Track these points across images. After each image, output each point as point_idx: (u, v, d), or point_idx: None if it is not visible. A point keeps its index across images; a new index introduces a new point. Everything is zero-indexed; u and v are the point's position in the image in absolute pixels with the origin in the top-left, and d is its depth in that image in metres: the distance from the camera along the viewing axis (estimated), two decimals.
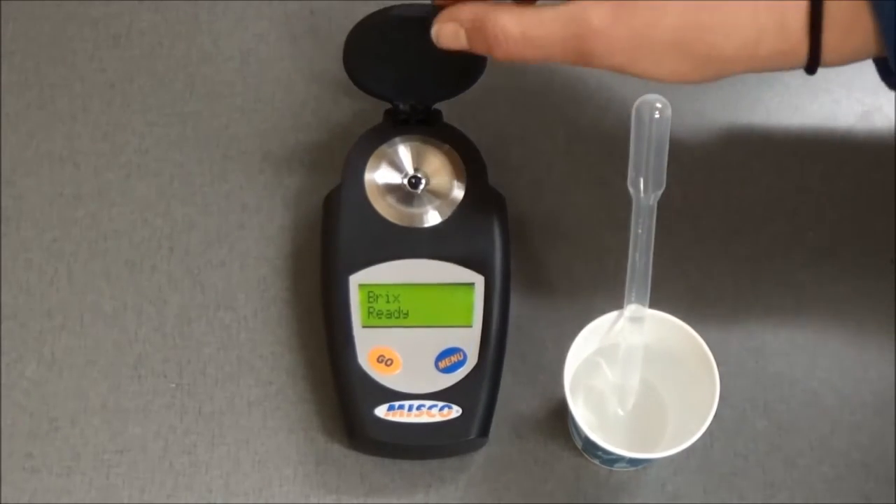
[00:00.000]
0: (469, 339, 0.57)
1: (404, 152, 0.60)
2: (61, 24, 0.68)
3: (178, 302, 0.62)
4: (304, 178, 0.65)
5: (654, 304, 0.53)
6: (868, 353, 0.61)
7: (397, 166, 0.60)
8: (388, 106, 0.61)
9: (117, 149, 0.65)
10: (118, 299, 0.61)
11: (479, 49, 0.51)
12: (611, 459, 0.56)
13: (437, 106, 0.61)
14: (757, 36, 0.47)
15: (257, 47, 0.68)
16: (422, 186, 0.60)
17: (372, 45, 0.57)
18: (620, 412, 0.57)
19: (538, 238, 0.63)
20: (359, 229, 0.59)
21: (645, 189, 0.50)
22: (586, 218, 0.64)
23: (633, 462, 0.56)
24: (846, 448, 0.59)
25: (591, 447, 0.55)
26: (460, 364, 0.57)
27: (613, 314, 0.54)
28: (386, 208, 0.59)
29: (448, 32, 0.52)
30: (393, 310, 0.58)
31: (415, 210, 0.59)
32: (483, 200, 0.60)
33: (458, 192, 0.60)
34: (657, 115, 0.48)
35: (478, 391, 0.56)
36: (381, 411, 0.56)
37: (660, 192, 0.50)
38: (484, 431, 0.56)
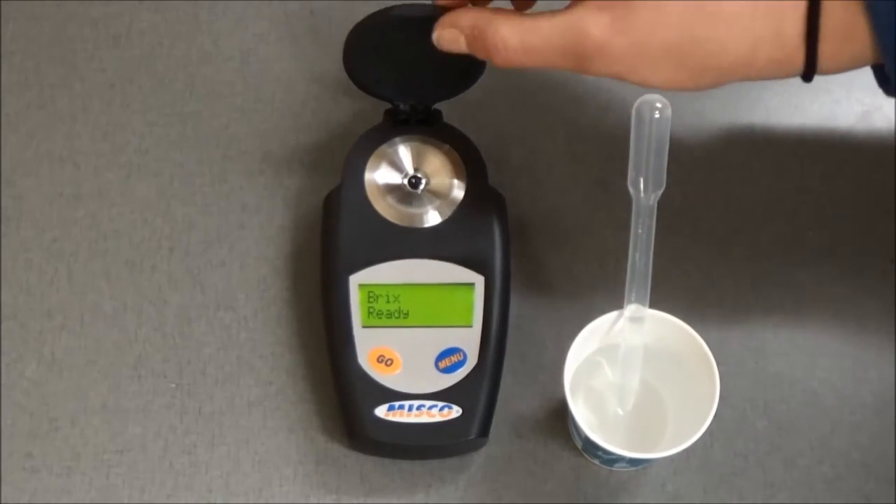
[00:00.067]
0: (469, 339, 0.57)
1: (404, 152, 0.60)
2: (61, 24, 0.68)
3: (178, 302, 0.62)
4: (304, 178, 0.65)
5: (654, 304, 0.53)
6: (868, 353, 0.61)
7: (397, 166, 0.60)
8: (388, 106, 0.61)
9: (117, 149, 0.65)
10: (118, 299, 0.61)
11: (479, 55, 0.51)
12: (611, 459, 0.56)
13: (437, 106, 0.61)
14: (753, 47, 0.47)
15: (257, 47, 0.68)
16: (422, 186, 0.60)
17: (372, 45, 0.57)
18: (620, 412, 0.57)
19: (538, 238, 0.63)
20: (359, 229, 0.59)
21: (645, 189, 0.50)
22: (586, 218, 0.64)
23: (633, 462, 0.56)
24: (846, 448, 0.59)
25: (591, 447, 0.55)
26: (460, 364, 0.57)
27: (613, 314, 0.54)
28: (386, 208, 0.59)
29: (448, 37, 0.52)
30: (393, 310, 0.58)
31: (415, 210, 0.59)
32: (483, 200, 0.60)
33: (458, 192, 0.60)
34: (657, 115, 0.48)
35: (478, 391, 0.56)
36: (381, 411, 0.56)
37: (660, 192, 0.50)
38: (484, 431, 0.56)
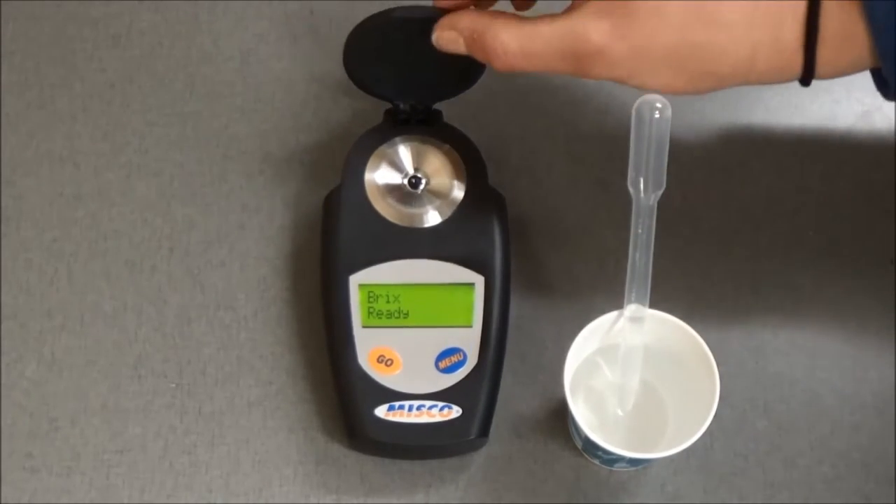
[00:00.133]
0: (469, 339, 0.57)
1: (404, 152, 0.60)
2: (61, 24, 0.68)
3: (178, 302, 0.62)
4: (304, 178, 0.65)
5: (654, 304, 0.53)
6: (868, 353, 0.61)
7: (397, 166, 0.60)
8: (388, 106, 0.61)
9: (117, 149, 0.65)
10: (118, 299, 0.61)
11: (478, 58, 0.51)
12: (611, 459, 0.56)
13: (437, 106, 0.61)
14: (752, 52, 0.47)
15: (257, 47, 0.68)
16: (422, 186, 0.60)
17: (372, 45, 0.57)
18: (620, 412, 0.57)
19: (538, 238, 0.63)
20: (359, 229, 0.59)
21: (645, 189, 0.50)
22: (586, 218, 0.64)
23: (633, 462, 0.56)
24: (846, 448, 0.59)
25: (591, 447, 0.55)
26: (460, 364, 0.57)
27: (613, 314, 0.54)
28: (386, 208, 0.59)
29: (447, 38, 0.52)
30: (393, 310, 0.58)
31: (415, 210, 0.59)
32: (483, 200, 0.60)
33: (458, 192, 0.60)
34: (657, 115, 0.48)
35: (478, 391, 0.56)
36: (381, 411, 0.56)
37: (660, 192, 0.50)
38: (484, 431, 0.56)
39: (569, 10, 0.49)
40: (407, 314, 0.58)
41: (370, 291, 0.58)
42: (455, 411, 0.56)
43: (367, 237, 0.59)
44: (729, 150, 0.66)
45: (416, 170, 0.60)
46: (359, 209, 0.59)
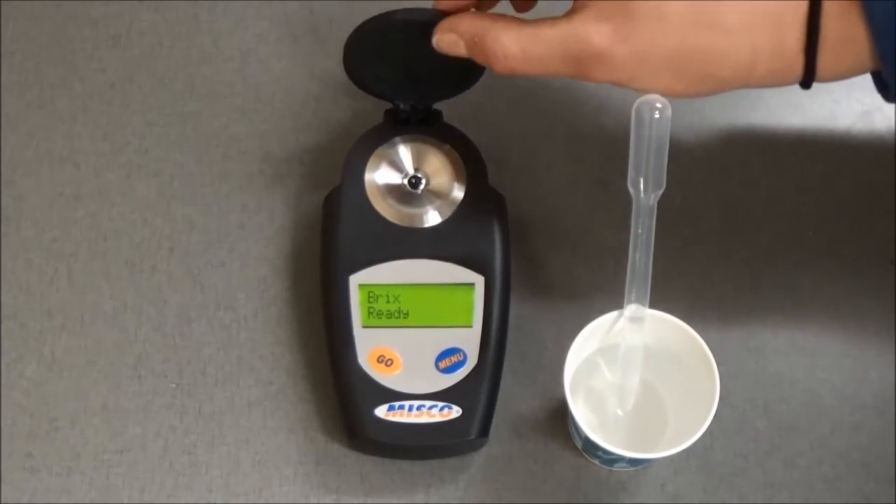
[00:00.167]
0: (469, 340, 0.57)
1: (404, 152, 0.60)
2: (61, 24, 0.68)
3: (178, 302, 0.62)
4: (304, 178, 0.65)
5: (654, 304, 0.53)
6: (868, 353, 0.61)
7: (397, 166, 0.60)
8: (388, 106, 0.61)
9: (117, 149, 0.65)
10: (118, 299, 0.61)
11: (479, 61, 0.51)
12: (611, 459, 0.56)
13: (437, 106, 0.61)
14: (753, 57, 0.47)
15: (257, 47, 0.68)
16: (422, 186, 0.60)
17: (372, 46, 0.57)
18: (620, 412, 0.57)
19: (538, 238, 0.63)
20: (359, 229, 0.59)
21: (645, 189, 0.50)
22: (586, 218, 0.64)
23: (633, 462, 0.56)
24: (846, 448, 0.59)
25: (591, 447, 0.55)
26: (460, 364, 0.57)
27: (613, 314, 0.54)
28: (386, 208, 0.59)
29: (448, 41, 0.52)
30: (393, 310, 0.58)
31: (415, 210, 0.59)
32: (483, 200, 0.60)
33: (458, 193, 0.60)
34: (657, 115, 0.48)
35: (478, 391, 0.56)
36: (381, 411, 0.56)
37: (660, 192, 0.50)
38: (484, 431, 0.56)
39: (570, 14, 0.49)
40: (407, 314, 0.58)
41: (370, 291, 0.58)
42: (455, 411, 0.56)
43: (367, 237, 0.59)
44: (729, 150, 0.66)
45: (416, 170, 0.60)
46: (359, 209, 0.59)
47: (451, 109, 0.62)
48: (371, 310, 0.58)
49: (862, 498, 0.58)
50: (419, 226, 0.59)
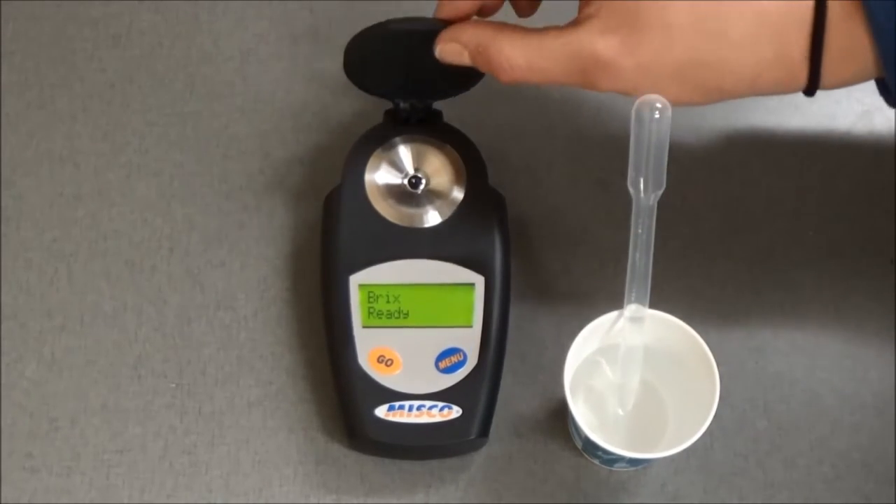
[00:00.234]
0: (469, 340, 0.57)
1: (404, 152, 0.60)
2: (61, 24, 0.68)
3: (178, 302, 0.62)
4: (304, 178, 0.65)
5: (654, 304, 0.53)
6: (868, 353, 0.61)
7: (397, 166, 0.60)
8: (389, 106, 0.61)
9: (117, 149, 0.65)
10: (118, 299, 0.61)
11: (484, 70, 0.52)
12: (611, 459, 0.56)
13: (437, 106, 0.61)
14: (758, 68, 0.47)
15: (257, 47, 0.68)
16: (422, 186, 0.60)
17: (372, 53, 0.56)
18: (620, 412, 0.57)
19: (538, 238, 0.63)
20: (359, 229, 0.59)
21: (645, 189, 0.50)
22: (586, 218, 0.64)
23: (633, 462, 0.56)
24: (846, 448, 0.59)
25: (591, 447, 0.55)
26: (460, 364, 0.57)
27: (613, 314, 0.54)
28: (386, 208, 0.59)
29: (451, 51, 0.52)
30: (393, 310, 0.58)
31: (415, 210, 0.59)
32: (483, 200, 0.60)
33: (458, 193, 0.60)
34: (657, 115, 0.48)
35: (478, 391, 0.56)
36: (381, 411, 0.56)
37: (660, 192, 0.50)
38: (484, 431, 0.56)
39: (575, 24, 0.49)
40: (407, 314, 0.58)
41: (370, 291, 0.58)
42: (455, 411, 0.56)
43: (367, 237, 0.59)
44: (729, 151, 0.66)
45: (416, 170, 0.60)
46: (359, 209, 0.59)
47: (451, 109, 0.62)
48: (371, 310, 0.58)
49: (862, 498, 0.58)
50: (419, 226, 0.59)
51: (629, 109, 0.49)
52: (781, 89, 0.49)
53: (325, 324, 0.59)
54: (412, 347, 0.57)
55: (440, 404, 0.56)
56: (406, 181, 0.60)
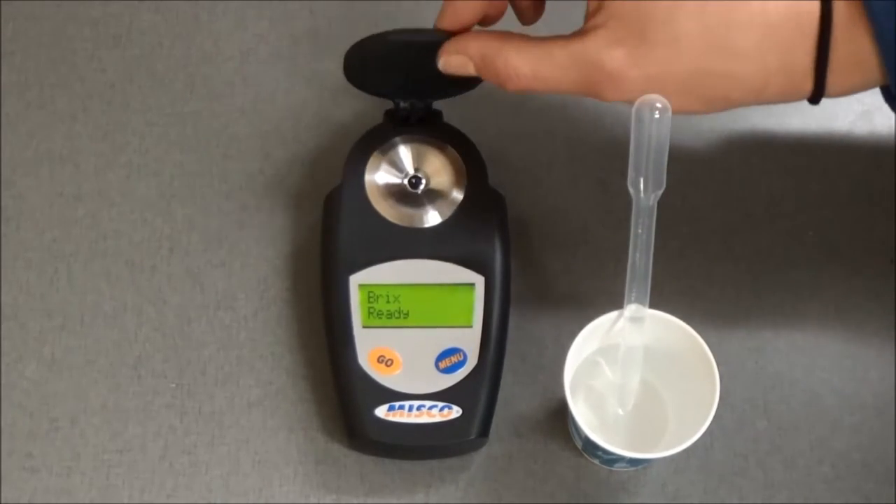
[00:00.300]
0: (469, 340, 0.57)
1: (404, 152, 0.60)
2: (61, 24, 0.68)
3: (178, 302, 0.62)
4: (304, 178, 0.65)
5: (654, 304, 0.53)
6: (868, 353, 0.61)
7: (397, 166, 0.60)
8: (389, 106, 0.61)
9: (117, 149, 0.65)
10: (118, 299, 0.61)
11: (490, 81, 0.52)
12: (611, 459, 0.56)
13: (437, 106, 0.61)
14: (764, 79, 0.48)
15: (257, 47, 0.68)
16: (422, 187, 0.60)
17: (372, 60, 0.56)
18: (620, 412, 0.57)
19: (538, 238, 0.63)
20: (359, 229, 0.59)
21: (645, 189, 0.50)
22: (586, 218, 0.64)
23: (633, 462, 0.56)
24: (846, 448, 0.59)
25: (591, 447, 0.55)
26: (460, 364, 0.57)
27: (613, 314, 0.54)
28: (386, 208, 0.59)
29: (456, 63, 0.52)
30: (393, 310, 0.58)
31: (415, 210, 0.59)
32: (483, 200, 0.60)
33: (458, 193, 0.60)
34: (657, 115, 0.48)
35: (478, 391, 0.56)
36: (381, 411, 0.56)
37: (660, 192, 0.50)
38: (484, 431, 0.56)
39: (581, 34, 0.49)
40: (407, 314, 0.58)
41: (370, 291, 0.58)
42: (455, 411, 0.56)
43: (367, 237, 0.59)
44: (729, 150, 0.66)
45: (416, 170, 0.60)
46: (359, 209, 0.59)
47: (451, 109, 0.62)
48: (371, 310, 0.58)
49: (862, 498, 0.58)
50: (419, 226, 0.59)
51: (629, 110, 0.49)
52: (787, 98, 0.49)
53: (325, 324, 0.59)
54: (412, 347, 0.57)
55: (440, 404, 0.56)
56: (406, 181, 0.60)
